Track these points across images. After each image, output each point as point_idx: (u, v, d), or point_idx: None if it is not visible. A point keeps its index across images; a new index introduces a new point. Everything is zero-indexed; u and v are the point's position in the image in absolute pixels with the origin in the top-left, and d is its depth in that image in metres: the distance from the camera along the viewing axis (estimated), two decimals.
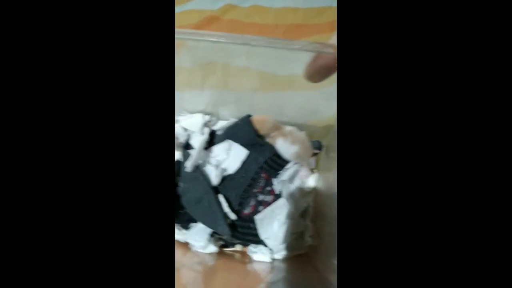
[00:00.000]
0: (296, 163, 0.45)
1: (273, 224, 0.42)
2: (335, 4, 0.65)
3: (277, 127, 0.44)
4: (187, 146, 0.48)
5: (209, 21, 0.66)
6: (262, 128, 0.43)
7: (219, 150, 0.45)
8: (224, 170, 0.44)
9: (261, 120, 0.43)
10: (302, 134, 0.45)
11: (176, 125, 0.49)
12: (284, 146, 0.44)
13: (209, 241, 0.42)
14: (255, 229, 0.42)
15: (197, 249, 0.43)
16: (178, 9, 0.70)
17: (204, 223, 0.42)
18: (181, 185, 0.44)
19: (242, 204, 0.43)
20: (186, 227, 0.45)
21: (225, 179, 0.44)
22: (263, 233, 0.42)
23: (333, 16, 0.63)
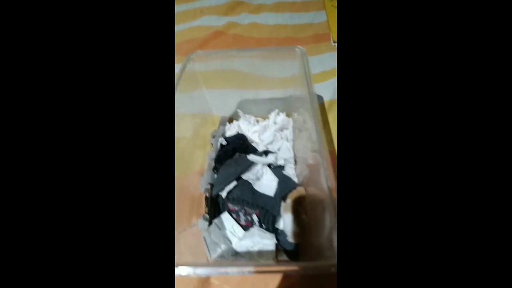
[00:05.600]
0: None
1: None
2: (316, 21, 0.83)
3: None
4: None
5: (216, 35, 0.82)
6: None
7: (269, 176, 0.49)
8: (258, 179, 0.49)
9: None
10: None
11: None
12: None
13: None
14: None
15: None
16: (188, 25, 0.85)
17: (221, 174, 0.50)
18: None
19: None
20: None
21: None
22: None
23: (313, 31, 0.80)
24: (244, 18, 0.85)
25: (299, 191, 0.45)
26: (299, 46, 0.48)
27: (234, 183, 0.48)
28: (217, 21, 0.85)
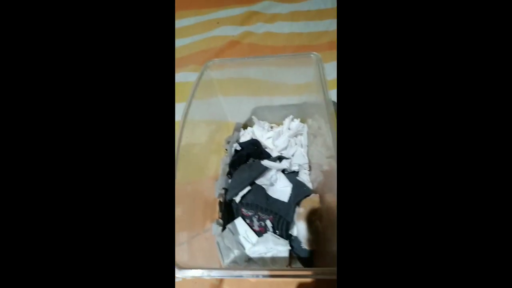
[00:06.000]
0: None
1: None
2: (331, 29, 0.83)
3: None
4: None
5: (232, 45, 0.84)
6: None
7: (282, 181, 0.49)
8: (272, 183, 0.48)
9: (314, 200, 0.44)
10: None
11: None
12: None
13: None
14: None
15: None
16: (205, 35, 0.88)
17: (235, 179, 0.50)
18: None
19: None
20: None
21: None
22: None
23: (329, 38, 0.81)
24: (259, 28, 0.87)
25: (314, 197, 0.44)
26: (314, 53, 0.48)
27: (248, 188, 0.48)
28: (233, 31, 0.87)
